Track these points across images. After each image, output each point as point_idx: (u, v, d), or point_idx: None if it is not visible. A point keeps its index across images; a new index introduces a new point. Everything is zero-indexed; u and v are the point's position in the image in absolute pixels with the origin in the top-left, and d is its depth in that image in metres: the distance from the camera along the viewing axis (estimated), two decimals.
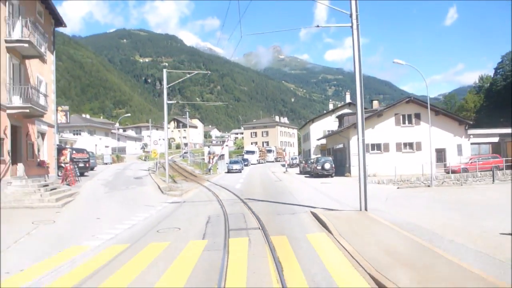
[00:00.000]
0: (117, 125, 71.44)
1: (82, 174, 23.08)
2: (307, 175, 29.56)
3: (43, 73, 17.69)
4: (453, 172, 24.64)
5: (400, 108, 28.16)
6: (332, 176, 26.38)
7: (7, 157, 13.39)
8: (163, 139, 38.90)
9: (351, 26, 10.48)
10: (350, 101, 43.09)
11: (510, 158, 25.62)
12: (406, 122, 27.80)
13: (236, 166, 35.67)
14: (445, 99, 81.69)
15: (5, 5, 13.66)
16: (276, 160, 61.87)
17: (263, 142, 76.01)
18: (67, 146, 28.90)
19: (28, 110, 14.36)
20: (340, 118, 33.38)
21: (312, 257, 6.47)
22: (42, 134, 17.76)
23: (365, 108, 40.00)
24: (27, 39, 13.73)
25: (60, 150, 20.30)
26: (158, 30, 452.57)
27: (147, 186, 20.18)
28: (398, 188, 19.23)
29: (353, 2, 10.39)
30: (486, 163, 25.20)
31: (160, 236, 8.88)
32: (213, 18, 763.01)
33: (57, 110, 20.89)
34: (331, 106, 52.97)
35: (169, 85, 26.13)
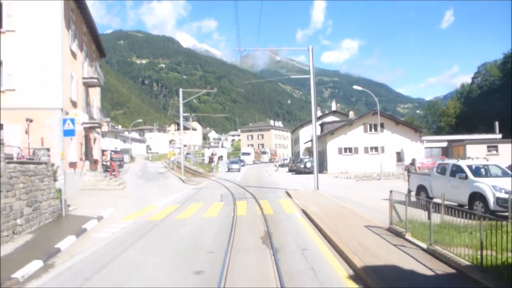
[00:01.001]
0: (118, 127, 77.77)
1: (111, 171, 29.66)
2: (293, 173, 36.47)
3: (95, 94, 24.44)
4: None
5: (368, 118, 35.18)
6: (312, 173, 33.23)
7: (83, 157, 20.15)
8: (176, 142, 45.41)
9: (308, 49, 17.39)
10: (335, 109, 50.05)
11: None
12: (372, 130, 34.75)
13: (235, 166, 41.78)
14: (429, 105, 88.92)
15: (81, 51, 20.43)
16: (270, 161, 68.75)
17: (258, 145, 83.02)
18: (107, 149, 35.39)
19: (93, 124, 21.13)
20: (322, 125, 40.36)
21: (278, 206, 13.39)
22: (94, 140, 24.51)
23: (345, 116, 46.77)
24: (96, 76, 20.54)
25: (103, 151, 26.98)
26: (155, 32, 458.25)
27: (171, 179, 27.08)
28: (356, 180, 26.21)
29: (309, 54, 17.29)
30: (434, 163, 32.23)
31: (195, 201, 15.73)
32: (210, 19, 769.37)
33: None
34: (333, 105, 59.72)
35: (185, 101, 32.75)
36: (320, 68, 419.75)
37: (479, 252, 4.99)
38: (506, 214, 8.13)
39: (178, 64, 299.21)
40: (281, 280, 5.45)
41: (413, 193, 13.18)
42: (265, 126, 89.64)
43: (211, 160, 48.20)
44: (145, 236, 9.21)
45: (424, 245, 6.52)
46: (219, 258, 6.82)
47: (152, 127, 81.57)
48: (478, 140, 36.00)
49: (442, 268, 5.51)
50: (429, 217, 6.53)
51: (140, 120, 70.43)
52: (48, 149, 12.22)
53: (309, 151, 46.28)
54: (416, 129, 35.67)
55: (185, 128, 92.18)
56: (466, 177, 10.47)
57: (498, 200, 9.11)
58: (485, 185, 9.71)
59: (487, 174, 11.04)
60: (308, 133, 52.02)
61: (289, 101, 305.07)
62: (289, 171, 40.01)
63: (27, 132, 14.84)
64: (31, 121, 14.17)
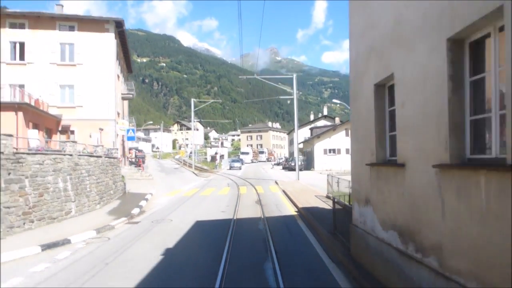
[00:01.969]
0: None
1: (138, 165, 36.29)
2: (286, 169, 43.03)
3: (125, 105, 30.98)
4: None
5: (348, 124, 41.61)
6: (301, 170, 39.83)
7: (122, 155, 26.69)
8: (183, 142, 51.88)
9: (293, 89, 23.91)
10: (326, 114, 56.58)
11: None
12: None
13: (237, 164, 47.61)
14: None
15: (121, 73, 26.93)
16: (268, 160, 75.22)
17: (257, 145, 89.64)
18: (132, 147, 41.79)
19: None
20: (311, 129, 46.94)
21: (267, 189, 20.04)
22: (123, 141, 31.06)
23: (334, 120, 52.98)
24: (132, 93, 27.08)
25: (129, 150, 33.49)
26: (155, 30, 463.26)
27: (185, 173, 33.68)
28: (333, 176, 32.73)
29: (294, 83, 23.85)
30: None
31: (209, 187, 22.32)
32: (211, 18, 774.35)
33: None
34: (325, 110, 66.03)
35: (196, 109, 39.29)
36: (320, 69, 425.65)
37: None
38: None
39: (179, 63, 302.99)
40: (263, 214, 12.04)
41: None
42: (263, 127, 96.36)
43: (213, 158, 54.70)
44: (187, 201, 15.82)
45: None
46: (232, 208, 13.41)
47: (156, 127, 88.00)
48: None
49: (337, 207, 12.07)
50: (338, 188, 13.12)
51: (151, 122, 76.68)
52: (117, 149, 18.77)
53: (302, 151, 52.80)
54: None
55: (188, 128, 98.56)
56: None
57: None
58: None
59: None
60: (301, 135, 58.60)
61: (288, 101, 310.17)
62: (283, 168, 46.59)
63: (90, 136, 21.36)
64: (101, 129, 20.74)
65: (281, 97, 30.78)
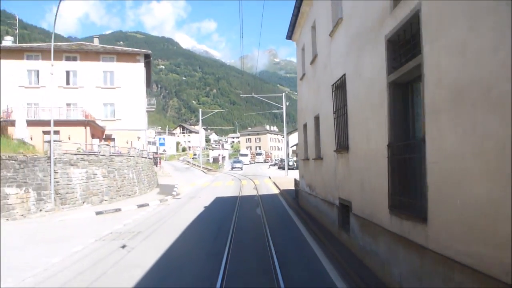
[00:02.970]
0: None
1: (156, 165, 43.59)
2: (280, 169, 50.23)
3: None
4: None
5: None
6: (294, 169, 47.03)
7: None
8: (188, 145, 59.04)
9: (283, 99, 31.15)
10: None
11: None
12: None
13: (238, 165, 53.89)
14: None
15: (145, 89, 34.08)
16: (265, 161, 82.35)
17: (256, 147, 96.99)
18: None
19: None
20: None
21: (262, 181, 27.41)
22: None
23: None
24: (154, 107, 34.29)
25: None
26: (154, 33, 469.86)
27: (195, 171, 40.94)
28: None
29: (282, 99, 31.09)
30: None
31: (218, 181, 29.62)
32: (210, 20, 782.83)
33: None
34: None
35: (204, 117, 46.49)
36: None
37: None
38: None
39: (178, 65, 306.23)
40: (258, 193, 19.34)
41: None
42: (262, 130, 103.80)
43: (215, 160, 61.88)
44: (205, 188, 23.10)
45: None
46: (238, 191, 20.72)
47: (161, 130, 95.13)
48: None
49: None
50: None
51: (160, 127, 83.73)
52: (155, 152, 25.91)
53: (295, 153, 59.99)
54: None
55: (190, 132, 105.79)
56: None
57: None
58: None
59: None
60: (296, 138, 66.00)
61: (287, 103, 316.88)
62: (278, 168, 53.83)
63: (127, 142, 28.52)
64: (139, 138, 27.94)
65: (273, 110, 37.60)
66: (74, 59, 28.70)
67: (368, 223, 5.87)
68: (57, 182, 13.64)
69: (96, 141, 23.31)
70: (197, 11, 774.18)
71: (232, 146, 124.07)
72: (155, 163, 38.12)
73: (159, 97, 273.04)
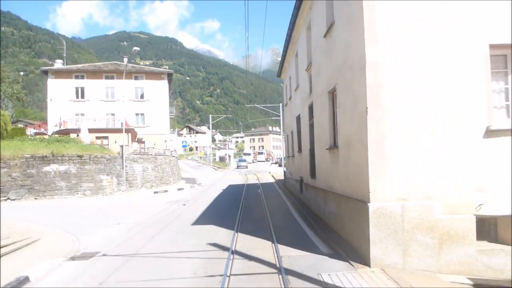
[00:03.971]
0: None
1: None
2: (280, 166, 57.84)
3: None
4: None
5: None
6: None
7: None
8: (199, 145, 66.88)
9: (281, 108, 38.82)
10: None
11: None
12: None
13: (243, 163, 61.29)
14: None
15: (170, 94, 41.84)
16: (266, 160, 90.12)
17: (259, 146, 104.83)
18: None
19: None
20: None
21: (263, 175, 35.13)
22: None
23: None
24: (173, 114, 41.98)
25: None
26: (157, 32, 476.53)
27: (207, 168, 48.73)
28: None
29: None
30: None
31: (228, 175, 37.40)
32: (213, 20, 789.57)
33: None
34: None
35: (213, 122, 54.15)
36: None
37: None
38: None
39: (181, 65, 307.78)
40: (259, 181, 27.04)
41: None
42: (264, 131, 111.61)
43: (222, 159, 69.53)
44: (219, 180, 30.94)
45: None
46: (244, 181, 28.43)
47: (171, 132, 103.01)
48: None
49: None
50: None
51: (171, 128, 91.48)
52: (175, 150, 33.61)
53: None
54: None
55: (197, 132, 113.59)
56: None
57: None
58: None
59: None
60: None
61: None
62: (278, 165, 61.50)
63: (155, 144, 36.20)
64: (166, 141, 35.64)
65: (272, 118, 44.98)
66: (112, 77, 36.46)
67: (306, 185, 13.48)
68: (127, 172, 21.34)
69: (135, 144, 31.02)
70: (200, 11, 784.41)
71: (236, 146, 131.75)
72: None
73: None
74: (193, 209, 14.37)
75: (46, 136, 29.71)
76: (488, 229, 6.98)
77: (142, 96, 36.99)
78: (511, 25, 6.43)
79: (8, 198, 16.11)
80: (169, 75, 38.20)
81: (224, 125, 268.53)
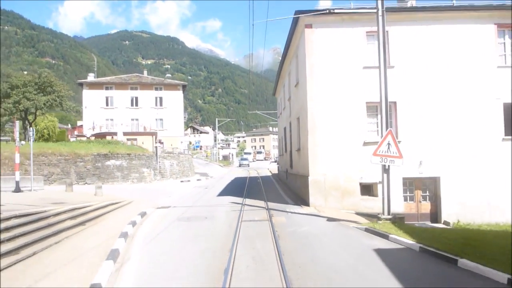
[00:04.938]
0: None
1: None
2: (278, 165, 65.41)
3: None
4: None
5: None
6: None
7: None
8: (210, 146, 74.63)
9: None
10: None
11: None
12: None
13: (245, 162, 68.19)
14: None
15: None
16: (265, 159, 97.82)
17: (260, 146, 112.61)
18: None
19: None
20: None
21: (262, 171, 42.84)
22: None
23: None
24: (186, 118, 49.55)
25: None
26: (159, 32, 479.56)
27: (214, 166, 56.43)
28: None
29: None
30: None
31: (233, 172, 45.08)
32: (215, 19, 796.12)
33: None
34: None
35: (220, 124, 61.68)
36: None
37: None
38: None
39: (183, 65, 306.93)
40: (259, 175, 34.72)
41: None
42: (265, 131, 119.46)
43: (225, 157, 77.08)
44: (226, 174, 38.63)
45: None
46: (247, 175, 36.07)
47: None
48: None
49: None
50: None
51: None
52: (188, 149, 41.17)
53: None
54: None
55: (200, 132, 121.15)
56: None
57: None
58: None
59: None
60: None
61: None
62: (277, 164, 69.09)
63: (172, 144, 43.77)
64: (182, 142, 43.22)
65: (271, 122, 52.42)
66: (136, 88, 44.05)
67: (290, 174, 21.07)
68: (160, 166, 28.91)
69: (160, 145, 38.58)
70: (202, 10, 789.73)
71: (238, 145, 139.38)
72: None
73: None
74: (213, 191, 21.99)
75: (84, 138, 37.34)
76: (371, 189, 14.55)
77: (161, 104, 44.60)
78: (379, 93, 14.03)
79: (86, 183, 23.65)
80: (184, 86, 45.80)
81: (225, 125, 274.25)
